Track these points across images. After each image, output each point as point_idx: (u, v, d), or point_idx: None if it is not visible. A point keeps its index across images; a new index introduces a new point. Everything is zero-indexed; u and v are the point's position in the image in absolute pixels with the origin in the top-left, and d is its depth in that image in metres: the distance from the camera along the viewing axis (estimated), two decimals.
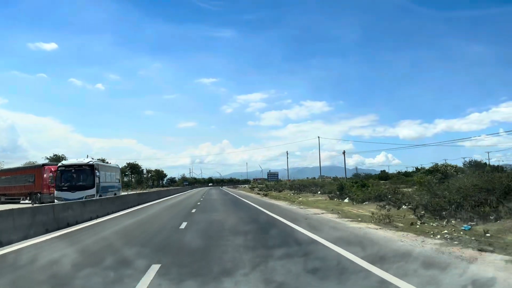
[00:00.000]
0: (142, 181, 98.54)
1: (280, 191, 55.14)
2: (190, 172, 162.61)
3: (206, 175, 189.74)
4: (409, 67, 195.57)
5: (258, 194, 50.07)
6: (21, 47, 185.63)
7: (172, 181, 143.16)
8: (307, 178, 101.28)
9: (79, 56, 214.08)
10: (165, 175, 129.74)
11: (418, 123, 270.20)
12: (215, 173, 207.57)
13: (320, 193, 38.14)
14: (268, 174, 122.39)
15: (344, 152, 57.80)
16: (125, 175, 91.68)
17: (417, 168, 77.12)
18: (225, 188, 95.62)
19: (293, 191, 47.22)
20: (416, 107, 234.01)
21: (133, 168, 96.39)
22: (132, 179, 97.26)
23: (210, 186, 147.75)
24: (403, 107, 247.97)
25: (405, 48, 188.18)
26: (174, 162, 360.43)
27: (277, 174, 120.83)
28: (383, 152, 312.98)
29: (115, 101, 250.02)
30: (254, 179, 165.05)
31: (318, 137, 60.40)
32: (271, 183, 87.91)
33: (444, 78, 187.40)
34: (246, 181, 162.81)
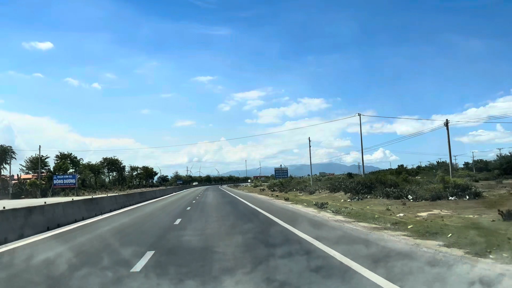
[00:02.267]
0: (124, 180, 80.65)
1: (311, 193, 37.85)
2: (187, 171, 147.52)
3: (204, 173, 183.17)
4: (407, 62, 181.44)
5: (283, 198, 32.77)
6: (16, 46, 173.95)
7: (163, 179, 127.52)
8: (308, 175, 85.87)
9: (74, 55, 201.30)
10: (155, 173, 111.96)
11: (416, 118, 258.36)
12: (213, 172, 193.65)
13: (413, 200, 20.88)
14: (275, 171, 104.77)
15: (446, 123, 37.86)
16: (99, 172, 73.63)
17: (437, 163, 61.36)
18: (226, 189, 77.92)
19: (345, 194, 29.71)
20: (413, 102, 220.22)
21: (112, 165, 77.36)
22: (110, 178, 79.13)
23: (195, 185, 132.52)
24: (401, 103, 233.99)
25: (402, 44, 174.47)
26: (172, 161, 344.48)
27: (287, 171, 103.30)
28: (381, 149, 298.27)
29: (112, 100, 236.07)
30: (254, 176, 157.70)
31: (359, 114, 43.18)
32: (282, 181, 70.94)
33: (442, 73, 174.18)
34: (245, 179, 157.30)
